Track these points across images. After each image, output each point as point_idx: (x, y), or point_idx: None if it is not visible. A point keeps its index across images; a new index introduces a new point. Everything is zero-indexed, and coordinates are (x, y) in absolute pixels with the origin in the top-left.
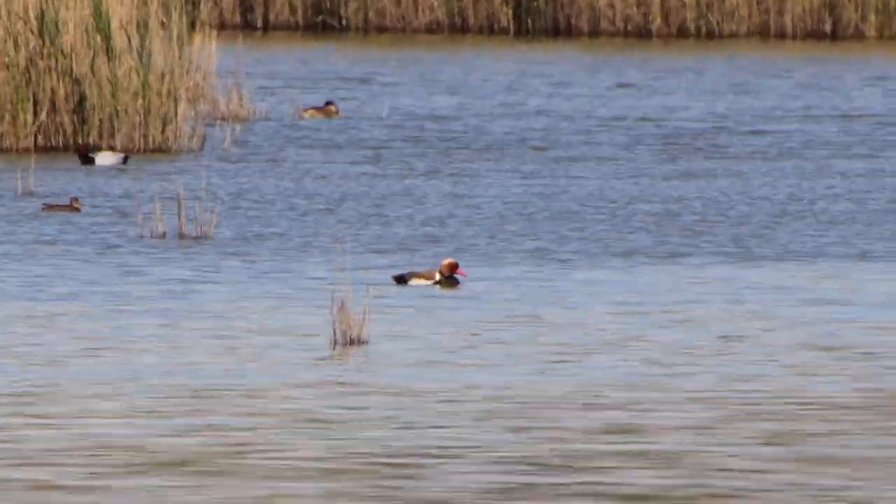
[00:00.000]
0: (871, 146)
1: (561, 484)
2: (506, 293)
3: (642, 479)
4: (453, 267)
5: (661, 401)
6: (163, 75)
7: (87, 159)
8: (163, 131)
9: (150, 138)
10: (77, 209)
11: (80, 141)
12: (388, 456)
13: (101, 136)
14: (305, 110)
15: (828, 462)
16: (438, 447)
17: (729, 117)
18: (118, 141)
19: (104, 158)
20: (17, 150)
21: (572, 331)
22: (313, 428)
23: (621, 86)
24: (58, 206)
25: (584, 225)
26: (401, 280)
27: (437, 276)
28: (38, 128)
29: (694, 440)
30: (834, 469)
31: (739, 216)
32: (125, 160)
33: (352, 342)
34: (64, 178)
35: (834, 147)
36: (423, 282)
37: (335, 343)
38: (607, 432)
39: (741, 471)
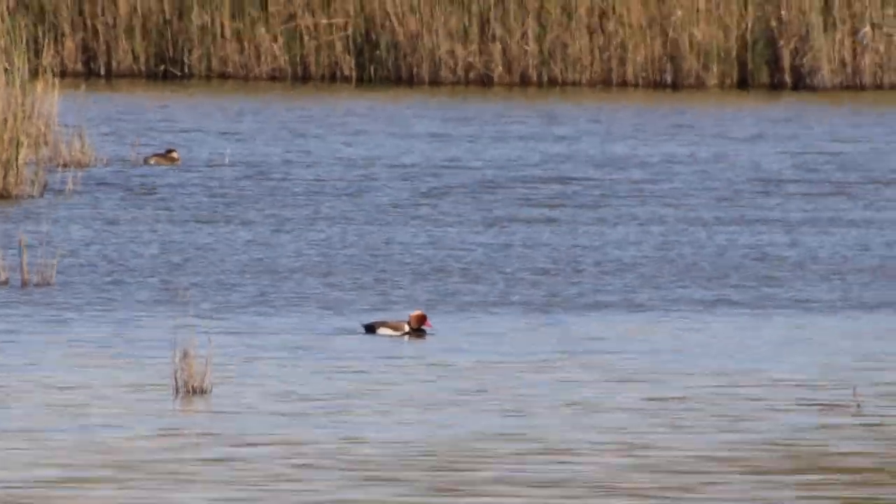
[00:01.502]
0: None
1: None
2: (338, 343)
3: None
4: (422, 319)
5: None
6: (5, 121)
7: None
8: (4, 177)
9: None
10: None
11: None
12: None
13: None
14: (149, 157)
15: None
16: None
17: (541, 164)
18: None
19: None
20: None
21: (417, 383)
22: (150, 479)
23: (438, 135)
24: None
25: (387, 276)
26: (370, 329)
27: (406, 328)
28: None
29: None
30: None
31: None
32: None
33: (194, 391)
34: None
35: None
36: (391, 332)
37: (177, 393)
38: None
39: None
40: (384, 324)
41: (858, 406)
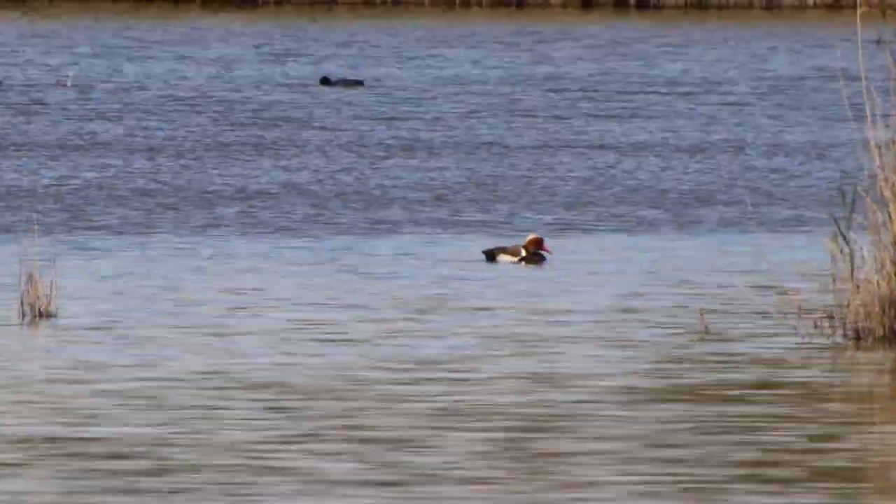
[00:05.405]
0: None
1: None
2: (191, 265)
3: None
4: (538, 243)
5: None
6: None
7: None
8: None
9: None
10: None
11: None
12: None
13: None
14: None
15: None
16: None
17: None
18: None
19: None
20: None
21: (220, 309)
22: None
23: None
24: None
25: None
26: (490, 256)
27: (523, 252)
28: None
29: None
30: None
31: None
32: None
33: (40, 315)
34: None
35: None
36: (509, 258)
37: (23, 316)
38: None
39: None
40: (503, 250)
41: (706, 329)
